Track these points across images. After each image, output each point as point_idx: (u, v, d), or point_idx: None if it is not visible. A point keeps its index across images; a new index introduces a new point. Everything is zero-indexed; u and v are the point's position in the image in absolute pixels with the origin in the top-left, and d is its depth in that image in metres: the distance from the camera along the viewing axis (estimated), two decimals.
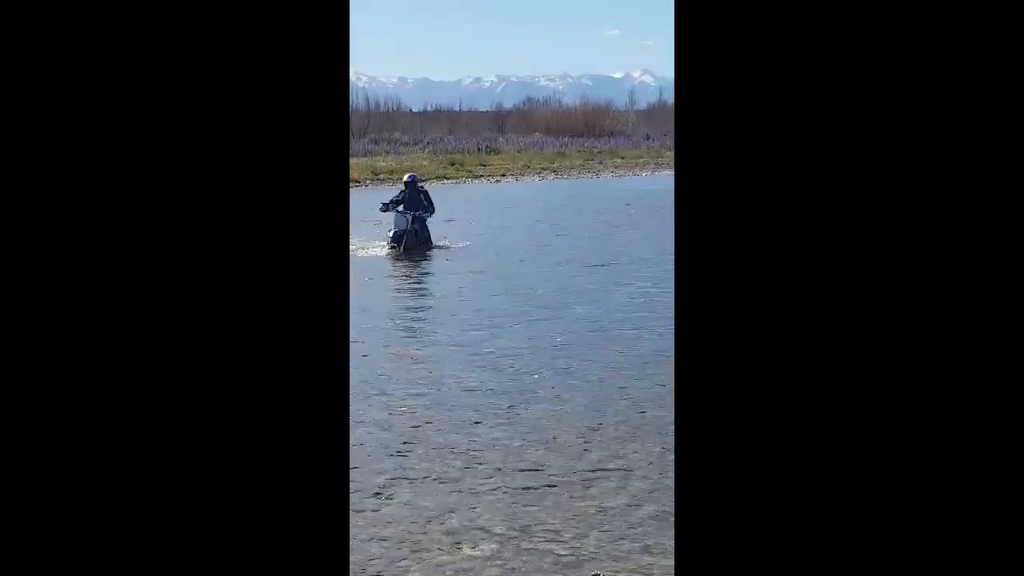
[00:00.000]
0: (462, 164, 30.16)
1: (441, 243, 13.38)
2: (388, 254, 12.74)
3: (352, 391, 4.40)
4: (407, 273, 11.50)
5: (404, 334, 7.90)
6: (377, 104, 44.92)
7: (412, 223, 13.01)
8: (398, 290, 10.43)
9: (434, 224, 13.55)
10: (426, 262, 12.21)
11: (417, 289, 10.46)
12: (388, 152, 33.38)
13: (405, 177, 14.05)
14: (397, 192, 13.63)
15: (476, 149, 34.66)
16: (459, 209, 17.86)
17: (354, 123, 39.67)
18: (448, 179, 27.76)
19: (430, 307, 9.14)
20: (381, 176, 27.08)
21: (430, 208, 13.31)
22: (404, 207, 13.14)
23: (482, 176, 28.56)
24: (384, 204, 13.42)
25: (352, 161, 28.78)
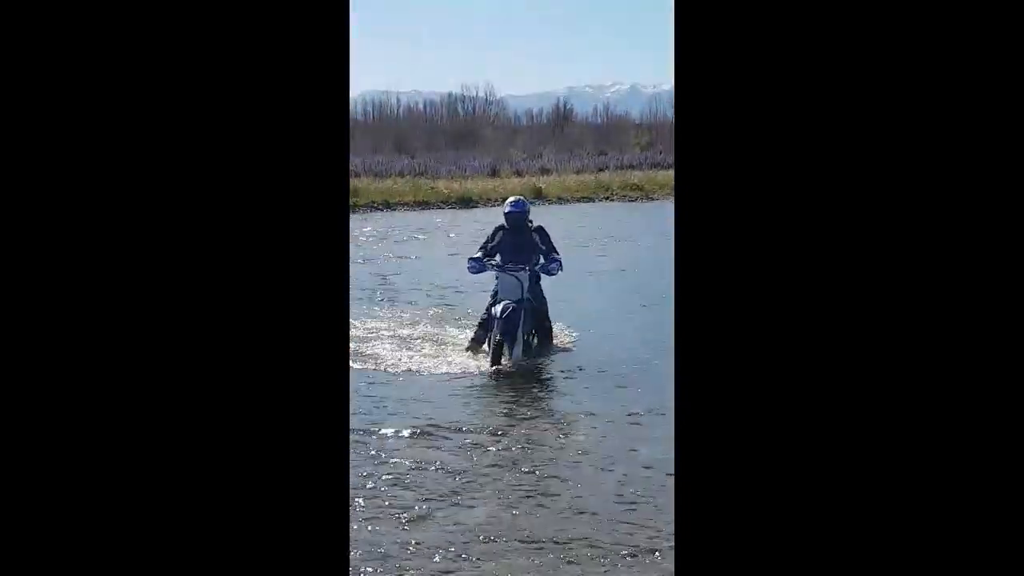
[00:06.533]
0: None
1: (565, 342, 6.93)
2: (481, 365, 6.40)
3: None
4: None
5: None
6: None
7: (527, 287, 6.66)
8: None
9: None
10: None
11: None
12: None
13: (506, 204, 7.20)
14: (493, 231, 7.15)
15: None
16: None
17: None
18: None
19: None
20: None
21: (552, 254, 6.85)
22: (503, 259, 6.87)
23: None
24: (474, 260, 6.92)
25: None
